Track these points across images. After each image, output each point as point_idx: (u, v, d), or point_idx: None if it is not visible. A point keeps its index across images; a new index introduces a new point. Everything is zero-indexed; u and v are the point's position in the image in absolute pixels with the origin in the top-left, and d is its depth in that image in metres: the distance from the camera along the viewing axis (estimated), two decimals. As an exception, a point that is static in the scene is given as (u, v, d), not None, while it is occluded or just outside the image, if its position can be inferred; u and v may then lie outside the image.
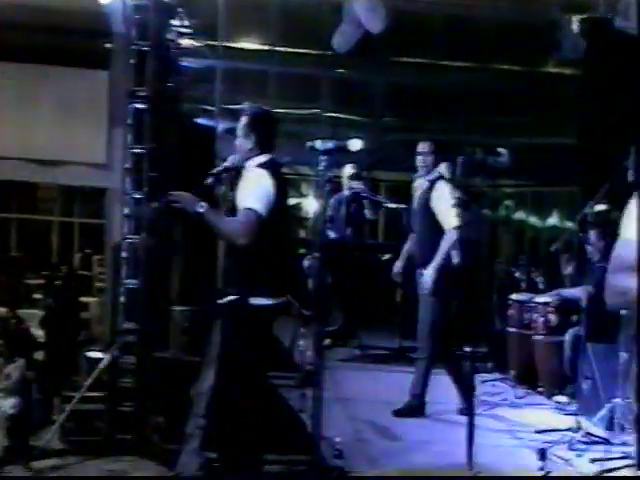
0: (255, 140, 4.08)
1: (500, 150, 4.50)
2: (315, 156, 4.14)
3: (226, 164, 4.22)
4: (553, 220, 11.41)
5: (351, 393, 6.21)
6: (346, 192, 7.94)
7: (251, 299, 3.93)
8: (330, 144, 4.49)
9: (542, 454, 4.13)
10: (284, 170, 5.78)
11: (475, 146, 4.46)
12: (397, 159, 10.52)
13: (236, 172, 4.17)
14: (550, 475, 4.11)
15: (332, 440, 4.36)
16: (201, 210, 3.92)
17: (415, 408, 5.80)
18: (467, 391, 5.58)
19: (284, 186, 4.16)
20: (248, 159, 4.09)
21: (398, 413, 5.77)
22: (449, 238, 5.63)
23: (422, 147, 6.00)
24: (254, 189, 3.95)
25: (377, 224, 10.62)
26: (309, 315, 4.53)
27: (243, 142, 4.10)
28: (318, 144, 4.55)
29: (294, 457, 4.50)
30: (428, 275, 5.70)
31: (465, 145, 5.49)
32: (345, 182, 7.96)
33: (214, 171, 4.29)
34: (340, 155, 4.34)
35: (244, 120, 4.13)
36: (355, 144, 4.54)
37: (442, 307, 5.72)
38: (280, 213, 4.04)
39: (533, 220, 11.54)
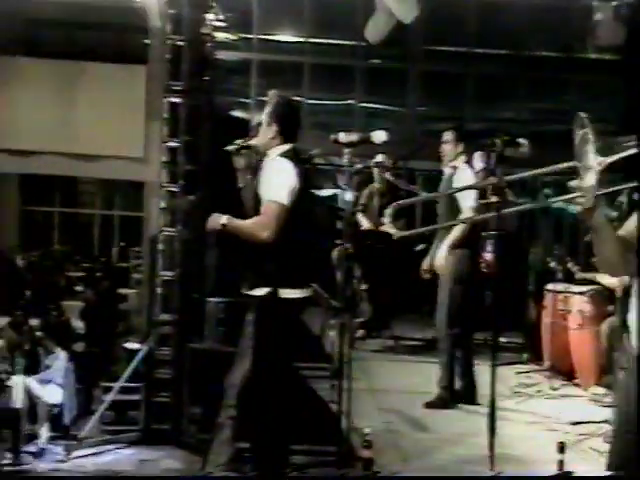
0: (277, 129, 4.05)
1: (520, 141, 4.43)
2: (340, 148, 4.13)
3: (252, 142, 4.20)
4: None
5: (383, 384, 6.20)
6: (378, 182, 7.91)
7: (280, 291, 3.93)
8: (353, 136, 4.47)
9: (561, 448, 4.06)
10: (314, 160, 5.81)
11: (496, 137, 4.38)
12: (432, 149, 10.47)
13: (258, 160, 4.15)
14: (572, 475, 4.06)
15: (362, 431, 4.36)
16: (224, 222, 3.94)
17: (443, 400, 5.76)
18: (471, 383, 5.57)
19: (307, 176, 4.09)
20: (271, 148, 4.06)
21: (429, 405, 5.74)
22: (460, 225, 5.56)
23: (446, 136, 5.97)
24: (277, 180, 3.92)
25: (413, 214, 10.57)
26: (338, 306, 4.53)
27: (266, 130, 4.07)
28: (341, 136, 4.53)
29: (323, 448, 4.51)
30: (441, 257, 5.64)
31: (487, 136, 5.43)
32: (376, 172, 7.93)
33: (239, 142, 4.26)
34: (366, 146, 4.33)
35: (267, 108, 4.11)
36: (379, 136, 4.51)
37: (458, 292, 5.65)
38: (304, 203, 3.99)
39: (572, 209, 11.38)
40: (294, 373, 4.26)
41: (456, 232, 5.59)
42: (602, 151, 2.60)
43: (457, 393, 5.81)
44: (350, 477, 4.20)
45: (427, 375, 5.92)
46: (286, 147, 4.04)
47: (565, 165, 3.17)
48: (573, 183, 2.78)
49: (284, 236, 3.88)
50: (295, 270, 3.97)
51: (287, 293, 3.94)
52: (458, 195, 5.59)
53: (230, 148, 4.26)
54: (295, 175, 3.95)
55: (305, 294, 4.03)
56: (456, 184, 5.70)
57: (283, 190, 3.89)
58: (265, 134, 4.08)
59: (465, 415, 5.46)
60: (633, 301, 2.91)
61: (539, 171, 4.35)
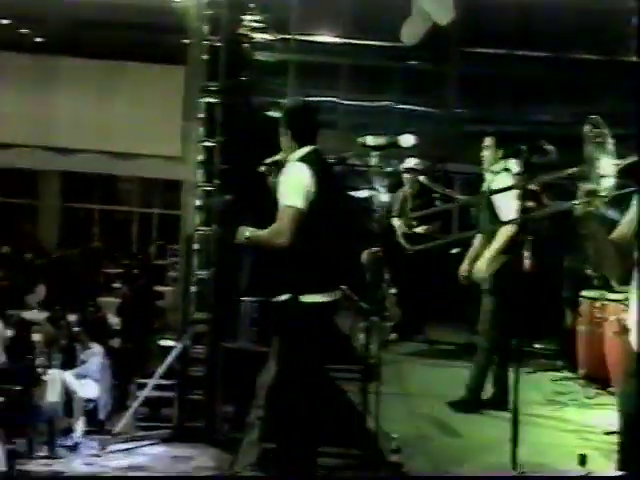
0: (292, 135, 4.02)
1: (547, 147, 4.36)
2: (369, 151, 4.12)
3: (278, 157, 4.22)
4: (631, 215, 11.03)
5: (414, 388, 6.16)
6: (411, 185, 7.88)
7: (302, 297, 3.90)
8: (381, 140, 4.45)
9: (582, 460, 3.99)
10: (347, 161, 5.80)
11: (522, 144, 4.33)
12: (469, 151, 10.40)
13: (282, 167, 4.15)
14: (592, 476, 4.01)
15: (391, 435, 4.36)
16: (247, 235, 3.98)
17: (469, 402, 5.71)
18: (504, 389, 5.51)
19: (328, 177, 4.05)
20: (290, 154, 4.06)
21: (453, 405, 5.70)
22: (504, 231, 5.50)
23: (486, 141, 5.91)
24: (291, 184, 3.90)
25: (450, 217, 10.50)
26: (368, 309, 4.52)
27: (283, 139, 4.08)
28: (369, 140, 4.52)
29: (351, 451, 4.52)
30: (483, 263, 5.59)
31: (524, 139, 5.37)
32: (408, 176, 7.91)
33: (267, 161, 4.29)
34: (395, 150, 4.31)
35: (281, 117, 4.11)
36: (407, 140, 4.49)
37: (500, 302, 5.60)
38: (328, 205, 3.97)
39: (610, 215, 11.20)
40: (323, 375, 4.26)
41: (500, 238, 5.51)
42: (614, 154, 2.58)
43: (487, 399, 5.76)
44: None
45: (459, 380, 5.86)
46: (304, 150, 4.04)
47: (576, 170, 3.14)
48: (587, 187, 2.76)
49: (304, 239, 3.87)
50: (319, 273, 3.94)
51: (309, 298, 3.91)
52: (497, 200, 5.51)
53: (261, 169, 4.27)
54: (311, 177, 3.92)
55: (329, 298, 3.98)
56: (496, 194, 5.62)
57: (297, 194, 3.88)
58: (284, 142, 4.09)
59: (497, 422, 5.40)
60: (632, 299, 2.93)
61: (550, 177, 4.30)
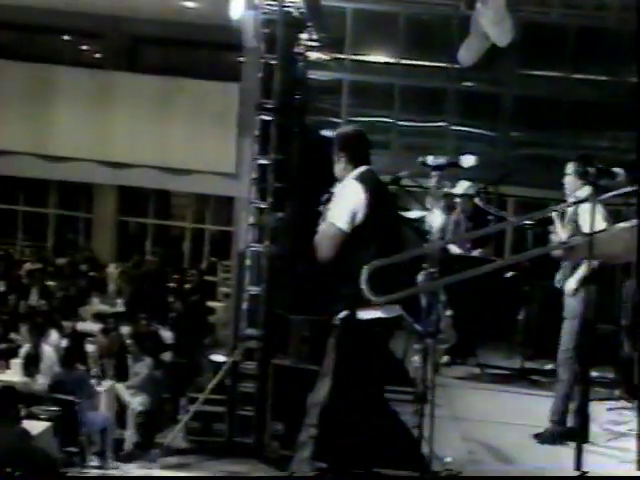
0: (345, 159, 4.09)
1: (615, 171, 4.27)
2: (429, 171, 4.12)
3: (333, 190, 4.28)
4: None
5: (467, 412, 6.08)
6: (465, 208, 7.83)
7: (360, 313, 3.92)
8: (441, 160, 4.45)
9: None
10: (402, 182, 5.79)
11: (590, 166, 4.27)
12: (525, 174, 10.33)
13: None
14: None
15: (443, 459, 4.32)
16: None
17: (556, 435, 5.58)
18: (585, 420, 5.39)
19: (383, 196, 4.11)
20: (345, 177, 4.12)
21: (538, 436, 5.59)
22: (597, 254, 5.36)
23: (569, 167, 5.81)
24: (342, 203, 3.98)
25: (503, 240, 10.40)
26: (422, 331, 4.50)
27: (337, 166, 4.16)
28: (430, 160, 4.52)
29: (403, 473, 4.48)
30: (571, 289, 5.46)
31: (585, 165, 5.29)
32: (463, 197, 7.87)
33: (331, 190, 4.34)
34: (455, 170, 4.30)
35: (334, 143, 4.19)
36: (468, 160, 4.47)
37: (585, 327, 5.45)
38: (379, 224, 3.99)
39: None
40: (376, 395, 4.25)
41: (589, 265, 5.37)
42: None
43: (567, 430, 5.61)
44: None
45: (512, 405, 5.79)
46: (359, 170, 4.09)
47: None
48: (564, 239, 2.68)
49: (357, 257, 3.89)
50: (378, 289, 3.94)
51: (368, 314, 3.93)
52: (583, 224, 5.37)
53: (323, 199, 4.31)
54: (364, 196, 3.97)
55: (388, 314, 3.99)
56: (582, 215, 5.52)
57: (344, 214, 3.94)
58: (338, 169, 4.15)
59: (552, 449, 5.32)
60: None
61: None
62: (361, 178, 4.05)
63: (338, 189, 4.08)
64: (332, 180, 4.45)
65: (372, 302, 3.84)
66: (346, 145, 4.13)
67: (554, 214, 5.69)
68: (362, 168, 4.09)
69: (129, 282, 11.89)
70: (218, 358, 7.64)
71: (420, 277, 4.67)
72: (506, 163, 10.76)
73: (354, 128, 4.40)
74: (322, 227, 3.98)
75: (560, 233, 5.68)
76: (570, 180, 5.74)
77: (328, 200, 4.11)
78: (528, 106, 11.19)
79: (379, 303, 3.85)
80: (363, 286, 3.76)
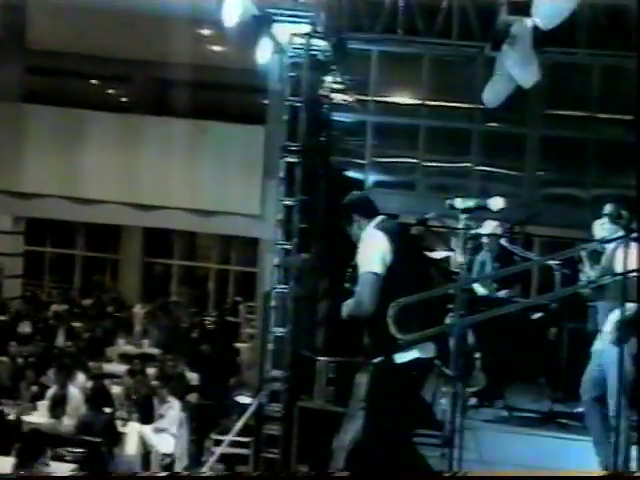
0: (359, 219, 4.20)
1: None
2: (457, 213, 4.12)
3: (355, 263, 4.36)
4: None
5: (495, 456, 5.98)
6: (492, 248, 7.79)
7: (396, 357, 3.92)
8: (470, 202, 4.46)
9: None
10: (427, 223, 5.78)
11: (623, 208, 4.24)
12: (551, 214, 10.25)
13: None
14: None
15: (473, 503, 4.23)
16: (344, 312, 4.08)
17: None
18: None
19: (404, 240, 4.19)
20: (363, 231, 4.20)
21: None
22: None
23: (606, 209, 5.75)
24: (368, 251, 4.05)
25: (529, 281, 10.30)
26: (451, 374, 4.46)
27: (351, 229, 4.22)
28: (458, 202, 4.53)
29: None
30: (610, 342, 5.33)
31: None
32: (489, 238, 7.82)
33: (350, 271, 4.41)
34: (482, 213, 4.28)
35: (344, 211, 4.30)
36: (496, 203, 4.47)
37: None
38: (403, 267, 4.04)
39: None
40: (405, 439, 4.20)
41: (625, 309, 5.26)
42: None
43: None
44: None
45: (541, 449, 5.68)
46: (378, 219, 4.18)
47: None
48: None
49: (387, 300, 3.89)
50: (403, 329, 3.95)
51: (403, 357, 3.93)
52: (617, 265, 5.28)
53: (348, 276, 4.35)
54: (387, 241, 4.04)
55: (424, 354, 3.99)
56: (618, 259, 5.44)
57: (374, 259, 4.00)
58: (354, 229, 4.24)
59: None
60: None
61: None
62: (381, 226, 4.15)
63: (362, 242, 4.14)
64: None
65: (398, 340, 3.84)
66: (357, 208, 4.28)
67: (583, 253, 5.63)
68: (378, 218, 4.20)
69: (155, 323, 11.92)
70: (243, 400, 7.62)
71: (447, 319, 4.62)
72: (532, 203, 10.71)
73: (357, 193, 4.58)
74: (360, 281, 4.01)
75: (588, 272, 5.62)
76: (602, 222, 5.68)
77: (354, 269, 4.16)
78: (554, 146, 11.16)
79: (405, 340, 3.85)
80: (389, 324, 3.76)
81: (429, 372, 4.18)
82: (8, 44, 12.58)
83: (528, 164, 11.23)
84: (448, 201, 4.59)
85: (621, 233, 5.46)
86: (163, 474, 5.86)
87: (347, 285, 4.12)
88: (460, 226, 4.46)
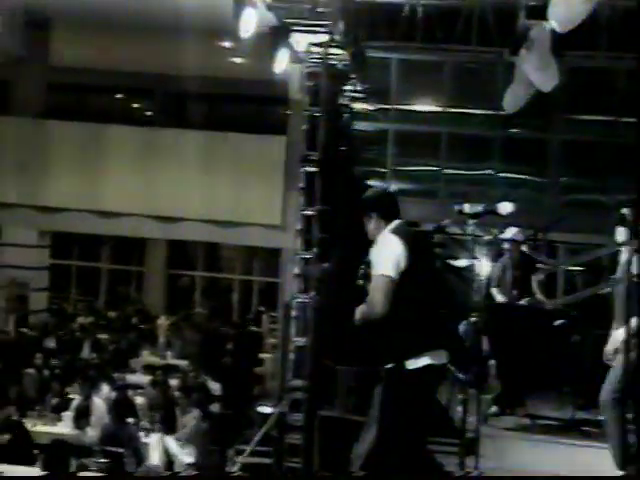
0: (377, 218, 4.18)
1: None
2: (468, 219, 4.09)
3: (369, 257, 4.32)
4: None
5: (516, 464, 5.91)
6: (514, 254, 7.73)
7: (408, 363, 3.90)
8: (479, 207, 4.43)
9: None
10: (446, 230, 5.74)
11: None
12: (573, 219, 10.17)
13: None
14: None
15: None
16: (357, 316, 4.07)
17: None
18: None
19: (420, 246, 4.16)
20: (379, 234, 4.17)
21: None
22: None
23: (622, 213, 5.68)
24: (383, 254, 4.03)
25: (555, 286, 10.21)
26: (466, 380, 4.42)
27: (369, 226, 4.21)
28: (466, 208, 4.51)
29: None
30: (616, 341, 5.23)
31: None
32: (510, 245, 7.76)
33: (362, 268, 4.37)
34: (501, 217, 4.25)
35: (364, 207, 4.27)
36: (505, 207, 4.44)
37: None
38: (419, 273, 4.02)
39: None
40: (423, 447, 4.17)
41: None
42: None
43: None
44: None
45: (563, 457, 5.59)
46: (394, 224, 4.16)
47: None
48: None
49: (401, 306, 3.92)
50: (420, 338, 3.93)
51: (415, 363, 3.92)
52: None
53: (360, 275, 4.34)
54: (403, 247, 4.02)
55: (435, 361, 3.96)
56: (634, 263, 5.36)
57: (389, 263, 3.98)
58: (372, 227, 4.22)
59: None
60: None
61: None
62: (397, 231, 4.13)
63: (376, 245, 4.12)
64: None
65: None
66: (377, 206, 4.25)
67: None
68: (396, 222, 4.18)
69: (179, 334, 11.97)
70: (265, 410, 7.60)
71: (461, 326, 4.61)
72: (554, 209, 10.63)
73: (382, 189, 4.49)
74: (373, 284, 4.00)
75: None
76: (623, 228, 5.60)
77: (368, 264, 4.13)
78: (576, 151, 11.08)
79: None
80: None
81: (442, 379, 4.14)
82: (32, 61, 12.77)
83: (549, 170, 11.15)
84: (457, 207, 4.58)
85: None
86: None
87: (360, 282, 4.11)
88: (469, 231, 4.42)
